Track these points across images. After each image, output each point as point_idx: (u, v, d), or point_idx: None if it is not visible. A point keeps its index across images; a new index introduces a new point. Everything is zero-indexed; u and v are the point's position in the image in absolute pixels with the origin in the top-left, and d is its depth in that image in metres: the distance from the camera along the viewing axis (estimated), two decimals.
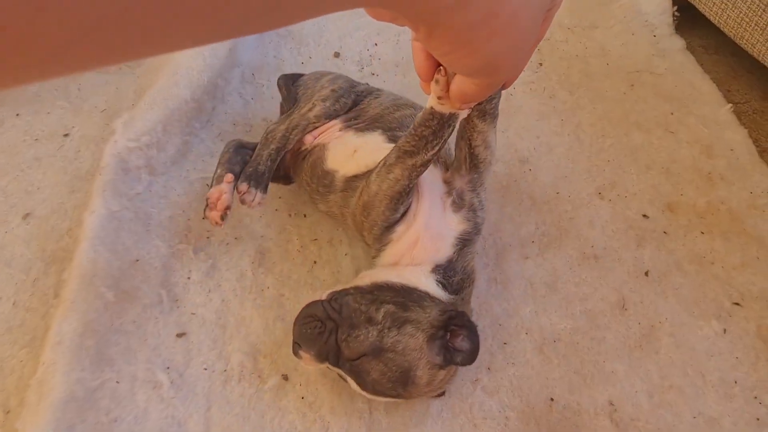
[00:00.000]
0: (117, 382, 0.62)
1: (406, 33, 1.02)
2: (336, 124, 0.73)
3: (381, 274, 0.61)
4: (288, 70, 0.98)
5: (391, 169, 0.57)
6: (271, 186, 0.83)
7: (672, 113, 0.87)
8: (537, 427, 0.61)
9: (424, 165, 0.56)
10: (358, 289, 0.59)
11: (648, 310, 0.68)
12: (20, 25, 0.15)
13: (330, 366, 0.57)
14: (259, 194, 0.68)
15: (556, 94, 0.91)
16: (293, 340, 0.57)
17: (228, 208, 0.67)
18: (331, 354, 0.56)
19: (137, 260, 0.70)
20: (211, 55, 0.84)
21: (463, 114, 0.53)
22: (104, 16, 0.16)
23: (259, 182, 0.68)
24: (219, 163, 0.71)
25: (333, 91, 0.74)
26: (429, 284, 0.60)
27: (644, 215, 0.77)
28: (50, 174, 0.84)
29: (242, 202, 0.67)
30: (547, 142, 0.86)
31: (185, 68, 0.80)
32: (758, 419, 0.60)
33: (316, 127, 0.74)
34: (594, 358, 0.65)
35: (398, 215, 0.60)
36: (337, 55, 1.01)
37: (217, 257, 0.75)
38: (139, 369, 0.63)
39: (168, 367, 0.65)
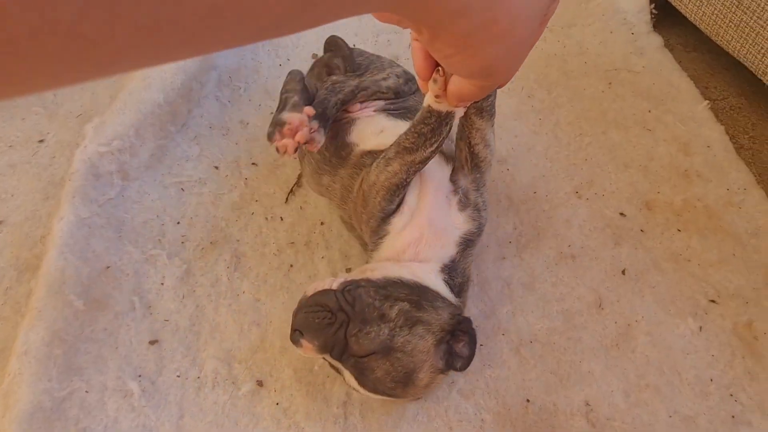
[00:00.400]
0: (86, 391, 0.61)
1: (383, 33, 1.02)
2: (378, 104, 0.72)
3: (392, 268, 0.59)
4: (265, 73, 0.97)
5: (390, 163, 0.57)
6: (249, 189, 0.83)
7: (650, 111, 0.87)
8: (513, 428, 0.60)
9: (423, 162, 0.56)
10: (369, 282, 0.57)
11: (624, 308, 0.68)
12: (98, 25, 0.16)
13: (328, 358, 0.55)
14: (323, 139, 0.64)
15: (534, 93, 0.91)
16: (294, 327, 0.54)
17: (308, 143, 0.60)
18: (337, 347, 0.54)
19: (108, 267, 0.69)
20: None
21: (460, 112, 0.54)
22: (160, 19, 0.17)
23: (324, 127, 0.64)
24: (288, 89, 0.67)
25: (405, 72, 0.74)
26: (439, 284, 0.59)
27: (621, 213, 0.76)
28: (24, 181, 0.83)
29: (309, 140, 0.61)
30: (526, 142, 0.85)
31: (157, 71, 0.79)
32: (734, 417, 0.60)
33: (373, 100, 0.72)
34: (570, 358, 0.65)
35: (393, 206, 0.60)
36: (315, 56, 1.00)
37: (191, 262, 0.74)
38: (109, 378, 0.62)
39: (140, 375, 0.64)
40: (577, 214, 0.76)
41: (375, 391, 0.55)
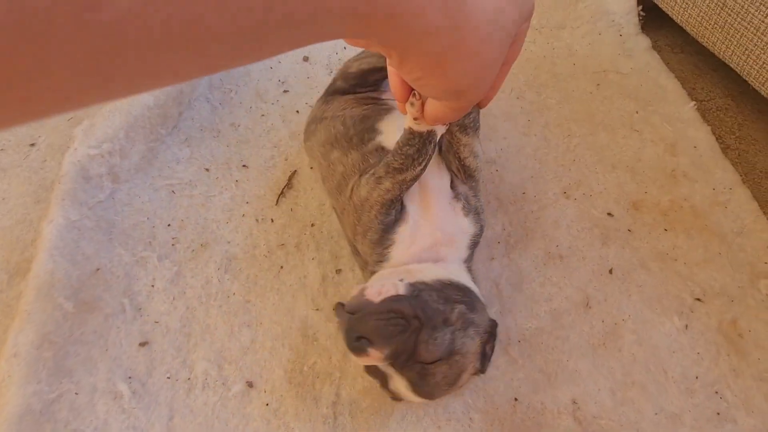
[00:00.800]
0: (76, 393, 0.61)
1: None
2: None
3: (435, 270, 0.58)
4: (256, 75, 0.97)
5: (382, 181, 0.58)
6: (239, 191, 0.83)
7: (637, 112, 0.88)
8: (501, 427, 0.61)
9: (414, 179, 0.57)
10: (427, 286, 0.55)
11: (612, 308, 0.69)
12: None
13: (384, 365, 0.53)
14: None
15: (524, 95, 0.91)
16: (359, 335, 0.50)
17: None
18: (404, 355, 0.51)
19: (98, 269, 0.69)
20: None
21: (441, 129, 0.54)
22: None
23: None
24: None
25: None
26: (473, 285, 0.60)
27: (609, 214, 0.77)
28: (15, 184, 0.83)
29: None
30: (515, 143, 0.86)
31: None
32: (719, 414, 0.60)
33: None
34: (558, 357, 0.65)
35: (392, 217, 0.60)
36: (306, 59, 1.01)
37: (182, 264, 0.75)
38: (99, 380, 0.63)
39: (130, 377, 0.64)
40: (565, 214, 0.77)
41: (429, 396, 0.54)
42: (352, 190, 0.63)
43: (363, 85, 0.76)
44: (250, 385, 0.65)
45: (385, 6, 0.24)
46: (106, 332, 0.66)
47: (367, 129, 0.67)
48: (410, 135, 0.53)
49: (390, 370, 0.53)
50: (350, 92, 0.76)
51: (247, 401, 0.64)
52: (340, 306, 0.57)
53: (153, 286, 0.71)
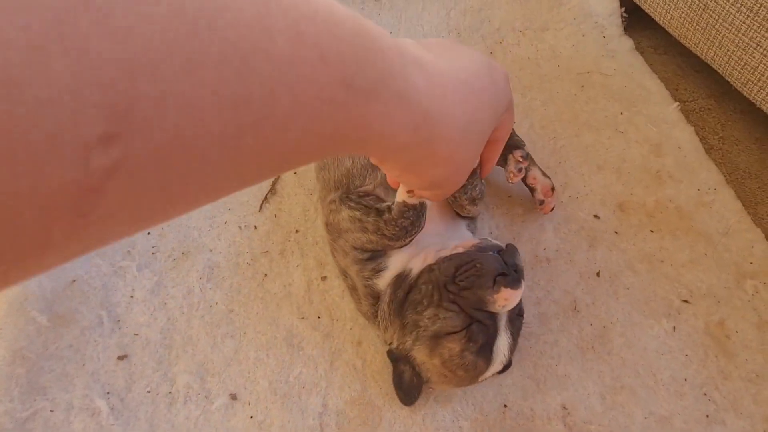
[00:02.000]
0: (51, 411, 0.58)
1: None
2: None
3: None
4: None
5: (367, 233, 0.58)
6: (221, 199, 0.81)
7: (621, 113, 0.88)
8: None
9: (401, 246, 0.58)
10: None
11: (600, 311, 0.68)
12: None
13: (503, 317, 0.54)
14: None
15: None
16: (499, 274, 0.51)
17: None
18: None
19: (74, 281, 0.67)
20: None
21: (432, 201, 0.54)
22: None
23: None
24: None
25: None
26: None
27: (596, 216, 0.77)
28: None
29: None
30: None
31: None
32: (708, 416, 0.60)
33: None
34: (547, 362, 0.65)
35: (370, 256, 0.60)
36: None
37: (163, 274, 0.72)
38: (75, 396, 0.60)
39: (108, 393, 0.62)
40: (551, 217, 0.76)
41: (510, 360, 0.56)
42: (330, 209, 0.62)
43: None
44: (233, 397, 0.64)
45: (356, 132, 0.25)
46: (82, 346, 0.64)
47: None
48: (404, 208, 0.53)
49: (502, 322, 0.54)
50: None
51: (231, 414, 0.62)
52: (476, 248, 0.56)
53: (132, 296, 0.69)
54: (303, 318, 0.69)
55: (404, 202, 0.52)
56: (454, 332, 0.53)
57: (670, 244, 0.73)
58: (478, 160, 0.38)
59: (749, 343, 0.65)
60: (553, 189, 0.73)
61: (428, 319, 0.54)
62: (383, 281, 0.60)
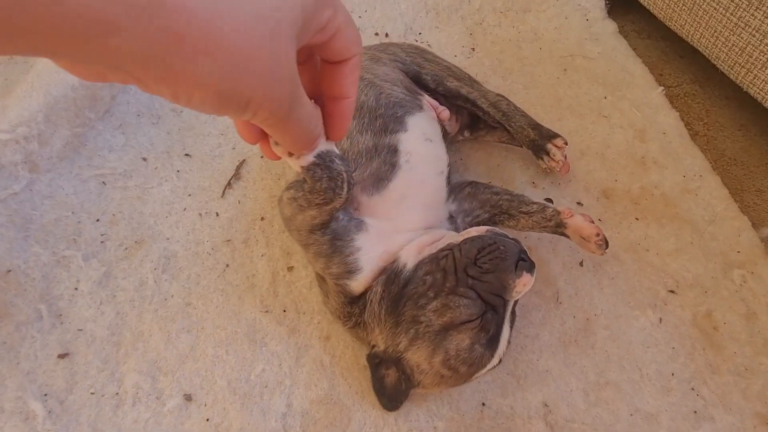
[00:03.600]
0: None
1: None
2: (446, 115, 0.71)
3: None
4: None
5: (305, 210, 0.52)
6: (181, 182, 0.75)
7: (605, 97, 0.84)
8: None
9: (344, 202, 0.49)
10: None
11: (583, 302, 0.64)
12: None
13: (509, 309, 0.52)
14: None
15: (489, 80, 0.87)
16: (519, 258, 0.50)
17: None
18: None
19: (9, 271, 0.60)
20: None
21: (325, 144, 0.41)
22: None
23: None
24: None
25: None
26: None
27: (579, 203, 0.73)
28: None
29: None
30: None
31: None
32: (695, 412, 0.57)
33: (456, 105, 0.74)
34: (528, 357, 0.61)
35: (329, 231, 0.54)
36: None
37: (112, 264, 0.66)
38: (7, 399, 0.54)
39: (45, 394, 0.56)
40: None
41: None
42: (278, 203, 0.57)
43: (441, 96, 0.73)
44: (188, 398, 0.58)
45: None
46: (17, 343, 0.58)
47: (396, 118, 0.62)
48: (308, 171, 0.44)
49: (508, 312, 0.52)
50: (420, 82, 0.72)
51: (185, 416, 0.57)
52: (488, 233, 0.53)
53: (77, 289, 0.63)
54: (267, 311, 0.64)
55: (301, 167, 0.43)
56: (469, 321, 0.49)
57: (655, 232, 0.70)
58: (288, 70, 0.27)
59: (737, 335, 0.62)
60: (565, 142, 0.72)
61: (433, 313, 0.50)
62: (358, 284, 0.55)
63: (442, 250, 0.53)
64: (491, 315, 0.50)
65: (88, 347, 0.60)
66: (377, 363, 0.54)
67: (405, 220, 0.58)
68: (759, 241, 0.69)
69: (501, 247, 0.50)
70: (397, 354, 0.52)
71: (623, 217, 0.71)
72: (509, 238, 0.52)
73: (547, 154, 0.71)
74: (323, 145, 0.39)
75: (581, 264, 0.67)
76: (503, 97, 0.75)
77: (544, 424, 0.57)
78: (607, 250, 0.58)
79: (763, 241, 0.69)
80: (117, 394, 0.58)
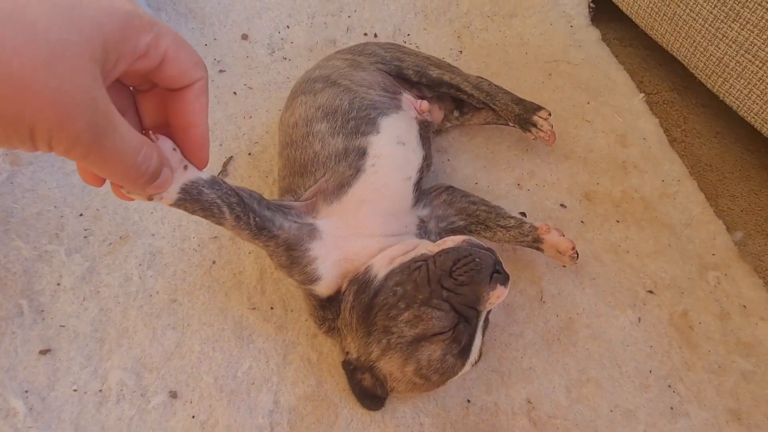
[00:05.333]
0: None
1: (319, 15, 0.96)
2: (426, 108, 0.71)
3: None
4: None
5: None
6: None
7: (588, 102, 0.86)
8: (453, 431, 0.57)
9: (260, 222, 0.49)
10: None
11: (566, 301, 0.66)
12: None
13: (482, 319, 0.52)
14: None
15: None
16: (494, 270, 0.50)
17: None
18: None
19: None
20: None
21: (185, 175, 0.40)
22: None
23: None
24: None
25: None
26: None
27: (562, 205, 0.75)
28: None
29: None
30: (467, 132, 0.83)
31: None
32: (672, 408, 0.59)
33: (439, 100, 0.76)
34: (512, 355, 0.62)
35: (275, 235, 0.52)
36: (245, 37, 0.93)
37: (96, 259, 0.65)
38: None
39: (26, 391, 0.55)
40: (518, 205, 0.74)
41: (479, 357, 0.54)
42: None
43: (425, 87, 0.74)
44: (173, 395, 0.57)
45: None
46: None
47: (368, 120, 0.61)
48: (179, 208, 0.42)
49: (481, 322, 0.52)
50: (403, 78, 0.73)
51: (170, 414, 0.56)
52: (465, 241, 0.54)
53: (59, 284, 0.62)
54: (254, 308, 0.64)
55: (167, 204, 0.41)
56: (441, 333, 0.49)
57: (635, 235, 0.72)
58: (83, 96, 0.25)
59: (712, 335, 0.64)
60: (549, 113, 0.74)
61: (405, 324, 0.49)
62: (323, 289, 0.55)
63: (414, 260, 0.52)
64: (463, 326, 0.50)
65: (71, 343, 0.59)
66: (352, 369, 0.55)
67: (362, 227, 0.56)
68: (732, 245, 0.71)
69: (476, 259, 0.50)
70: (370, 363, 0.52)
71: (604, 219, 0.73)
72: (484, 249, 0.52)
73: (535, 125, 0.73)
74: (184, 177, 0.37)
75: (564, 265, 0.69)
76: (483, 78, 0.76)
77: (527, 420, 0.58)
78: (577, 261, 0.62)
79: (736, 244, 0.71)
80: (100, 391, 0.57)
